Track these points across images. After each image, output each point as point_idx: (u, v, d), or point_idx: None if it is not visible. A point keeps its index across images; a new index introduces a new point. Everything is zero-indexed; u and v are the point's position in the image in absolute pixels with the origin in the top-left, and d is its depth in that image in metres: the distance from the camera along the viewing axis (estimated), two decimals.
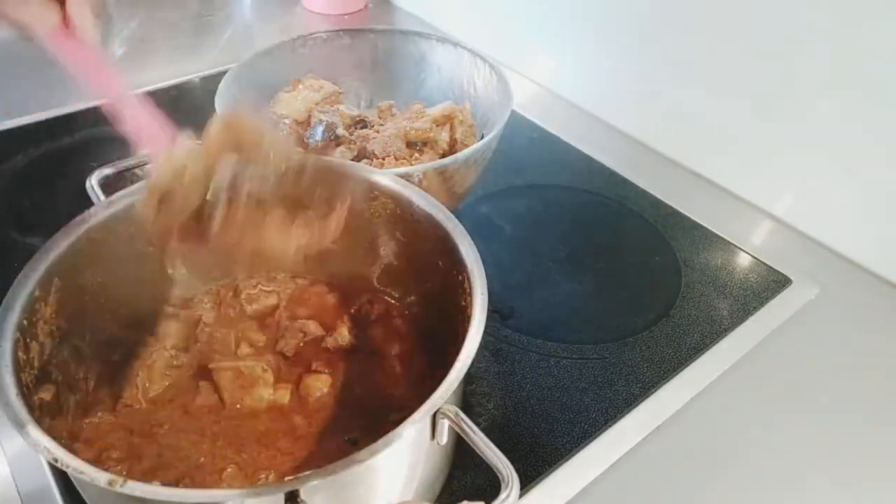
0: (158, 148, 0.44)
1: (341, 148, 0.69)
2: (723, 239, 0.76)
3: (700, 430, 0.57)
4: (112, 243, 0.50)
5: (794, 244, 0.77)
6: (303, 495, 0.35)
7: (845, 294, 0.71)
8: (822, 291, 0.70)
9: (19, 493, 0.50)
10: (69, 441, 0.46)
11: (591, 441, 0.55)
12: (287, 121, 0.73)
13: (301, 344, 0.56)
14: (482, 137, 0.71)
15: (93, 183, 0.54)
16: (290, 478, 0.46)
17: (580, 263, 0.73)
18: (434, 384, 0.40)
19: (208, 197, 0.41)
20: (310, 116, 0.73)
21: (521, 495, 0.38)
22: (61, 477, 0.50)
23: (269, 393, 0.52)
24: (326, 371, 0.54)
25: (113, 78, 0.46)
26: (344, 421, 0.51)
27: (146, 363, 0.53)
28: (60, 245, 0.46)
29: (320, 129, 0.69)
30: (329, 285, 0.62)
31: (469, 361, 0.41)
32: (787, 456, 0.56)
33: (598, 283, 0.71)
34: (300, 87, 0.76)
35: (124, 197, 0.51)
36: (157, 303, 0.57)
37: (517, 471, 0.37)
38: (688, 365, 0.62)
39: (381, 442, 0.36)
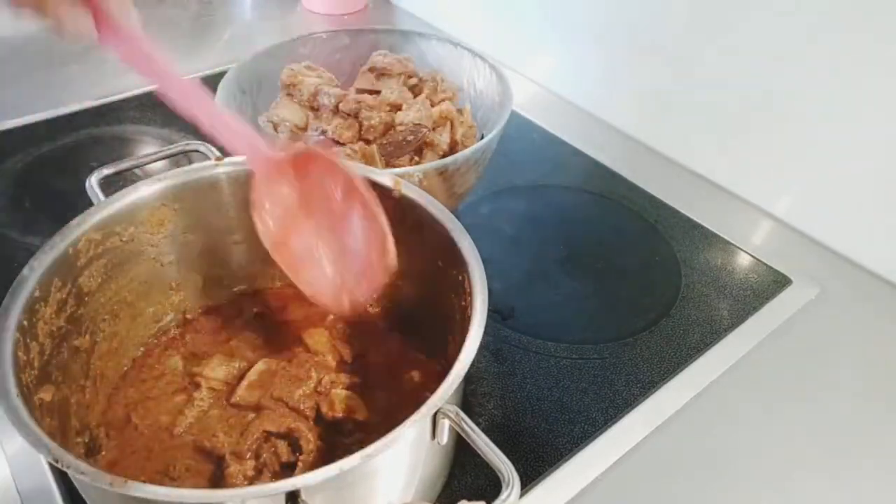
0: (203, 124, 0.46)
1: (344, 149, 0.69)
2: (723, 239, 0.76)
3: (700, 430, 0.57)
4: (112, 243, 0.50)
5: (794, 244, 0.77)
6: (303, 495, 0.35)
7: (845, 294, 0.71)
8: (822, 291, 0.70)
9: (19, 493, 0.50)
10: None
11: (591, 441, 0.55)
12: (287, 123, 0.73)
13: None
14: (482, 137, 0.71)
15: (93, 183, 0.54)
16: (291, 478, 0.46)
17: (580, 263, 0.73)
18: (434, 385, 0.40)
19: None
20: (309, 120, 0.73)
21: (521, 495, 0.38)
22: (61, 477, 0.50)
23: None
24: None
25: (165, 65, 0.46)
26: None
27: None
28: (60, 245, 0.46)
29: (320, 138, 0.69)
30: None
31: (469, 361, 0.41)
32: (786, 455, 0.56)
33: (598, 283, 0.71)
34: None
35: (124, 197, 0.51)
36: (158, 301, 0.57)
37: (517, 471, 0.37)
38: (688, 365, 0.62)
39: (381, 442, 0.36)
